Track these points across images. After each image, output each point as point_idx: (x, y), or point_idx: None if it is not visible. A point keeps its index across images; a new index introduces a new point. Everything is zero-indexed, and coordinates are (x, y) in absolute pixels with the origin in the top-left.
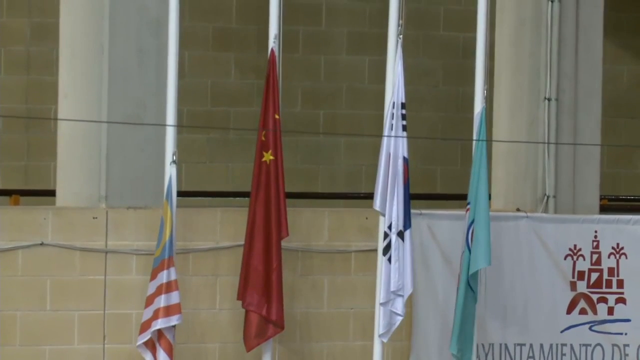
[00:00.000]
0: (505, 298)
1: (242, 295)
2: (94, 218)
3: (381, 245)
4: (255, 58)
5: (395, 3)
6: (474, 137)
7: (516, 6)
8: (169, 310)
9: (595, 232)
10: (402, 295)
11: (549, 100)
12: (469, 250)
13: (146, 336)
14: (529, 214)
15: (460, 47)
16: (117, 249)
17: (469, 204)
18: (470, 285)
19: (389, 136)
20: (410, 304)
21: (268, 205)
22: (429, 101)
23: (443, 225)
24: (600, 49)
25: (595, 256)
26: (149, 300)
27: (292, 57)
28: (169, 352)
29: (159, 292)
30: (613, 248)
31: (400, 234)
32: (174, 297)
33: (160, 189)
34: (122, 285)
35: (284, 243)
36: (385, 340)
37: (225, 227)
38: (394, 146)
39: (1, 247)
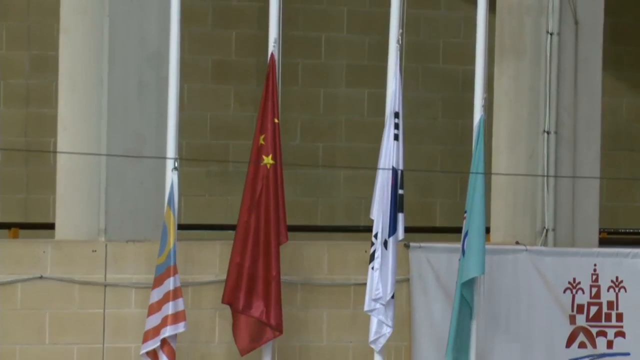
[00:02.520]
0: (504, 331)
1: (231, 297)
2: (93, 251)
3: None
4: (255, 91)
5: (396, 11)
6: (473, 147)
7: (515, 39)
8: (177, 317)
9: (595, 265)
10: (382, 304)
11: (548, 133)
12: (464, 255)
13: (155, 343)
14: (528, 247)
15: (460, 79)
16: (116, 283)
17: (465, 212)
18: (465, 295)
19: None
20: (409, 336)
21: (268, 210)
22: (428, 134)
23: (442, 258)
24: (600, 82)
25: (594, 289)
26: (155, 308)
27: (292, 90)
28: (172, 358)
29: (166, 299)
30: (612, 281)
31: (385, 243)
32: (180, 304)
33: (159, 222)
34: (121, 319)
35: (282, 277)
36: (376, 348)
37: (224, 260)
38: (384, 156)
39: (0, 280)
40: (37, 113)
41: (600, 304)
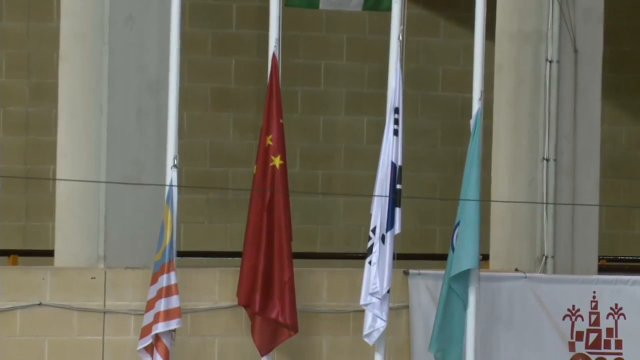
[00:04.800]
0: (503, 358)
1: (247, 299)
2: (92, 278)
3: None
4: (254, 118)
5: (397, 7)
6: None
7: (515, 67)
8: (168, 314)
9: (594, 292)
10: (379, 299)
11: (547, 160)
12: (453, 250)
13: (147, 340)
14: (527, 274)
15: (459, 107)
16: (115, 310)
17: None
18: (454, 288)
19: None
20: None
21: (279, 211)
22: (428, 161)
23: (441, 286)
24: (599, 110)
25: (593, 316)
26: (150, 305)
27: (291, 117)
28: (166, 356)
29: (159, 295)
30: (611, 308)
31: (383, 238)
32: (174, 301)
33: None
34: (120, 346)
35: None
36: (369, 342)
37: (224, 287)
38: (384, 151)
39: None
40: (37, 140)
41: (599, 331)
